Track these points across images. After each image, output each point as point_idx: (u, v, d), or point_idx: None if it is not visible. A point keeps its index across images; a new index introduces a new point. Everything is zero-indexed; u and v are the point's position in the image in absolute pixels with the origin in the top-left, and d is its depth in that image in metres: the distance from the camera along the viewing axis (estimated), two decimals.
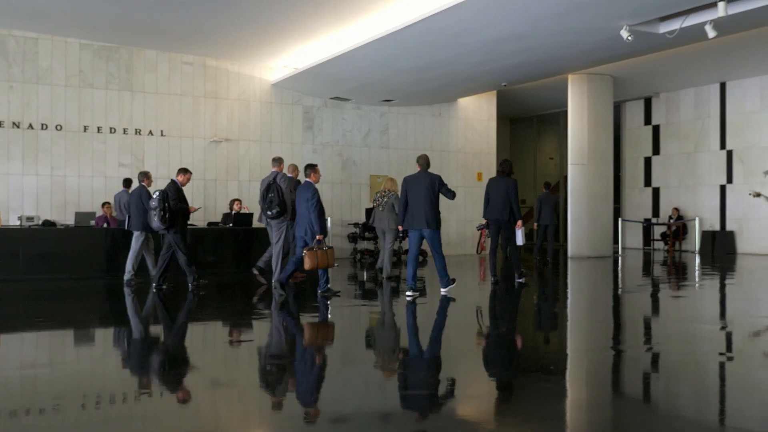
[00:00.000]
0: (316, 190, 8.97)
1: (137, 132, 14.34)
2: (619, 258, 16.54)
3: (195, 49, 14.42)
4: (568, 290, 10.78)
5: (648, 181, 19.89)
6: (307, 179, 9.12)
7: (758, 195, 15.42)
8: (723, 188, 17.99)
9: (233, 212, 13.30)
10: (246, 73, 15.49)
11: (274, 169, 10.50)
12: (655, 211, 19.66)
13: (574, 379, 5.12)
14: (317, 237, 8.81)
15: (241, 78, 15.46)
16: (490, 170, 18.52)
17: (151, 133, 14.46)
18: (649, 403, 4.51)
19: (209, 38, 13.51)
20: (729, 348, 6.18)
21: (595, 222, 16.60)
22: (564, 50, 12.87)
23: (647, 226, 19.72)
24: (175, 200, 9.59)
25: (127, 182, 13.27)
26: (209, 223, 14.04)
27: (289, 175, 10.61)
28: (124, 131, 14.22)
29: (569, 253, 16.63)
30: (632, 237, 20.01)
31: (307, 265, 8.70)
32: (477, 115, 18.53)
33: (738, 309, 8.81)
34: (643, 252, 18.85)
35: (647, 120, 19.89)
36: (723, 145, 17.99)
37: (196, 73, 14.93)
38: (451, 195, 9.19)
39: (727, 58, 15.37)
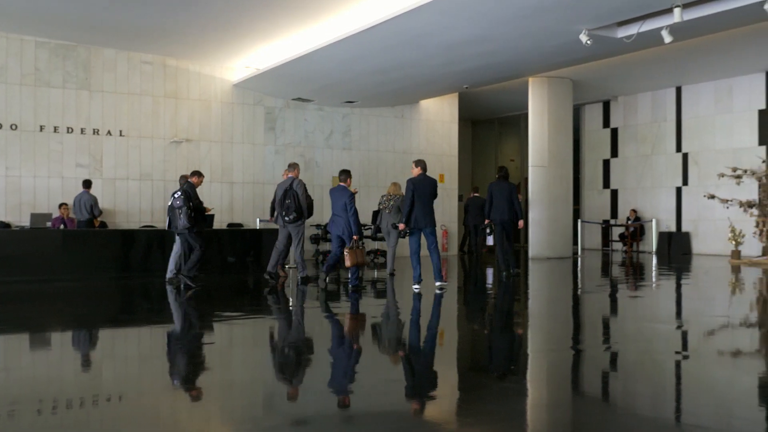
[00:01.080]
0: (353, 195, 9.76)
1: (95, 132, 14.11)
2: (579, 259, 16.77)
3: (155, 49, 14.24)
4: (529, 291, 10.89)
5: (606, 183, 20.21)
6: (342, 183, 9.95)
7: (712, 197, 15.76)
8: (679, 190, 18.36)
9: None
10: (207, 73, 15.35)
11: (290, 175, 10.86)
12: (614, 213, 19.98)
13: (535, 378, 5.17)
14: (354, 237, 9.58)
15: (202, 78, 15.31)
16: (452, 172, 18.65)
17: (109, 133, 14.24)
18: (608, 401, 4.58)
19: (169, 37, 13.35)
20: (685, 347, 6.31)
21: (555, 223, 16.80)
22: (525, 54, 13.01)
23: (606, 228, 20.03)
24: (197, 200, 10.09)
25: (87, 183, 13.08)
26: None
27: (290, 175, 10.91)
28: (82, 131, 13.98)
29: (530, 254, 16.80)
30: (591, 238, 20.30)
31: (348, 262, 9.54)
32: (439, 117, 18.63)
33: (693, 309, 9.00)
34: (602, 253, 19.14)
35: (606, 123, 20.21)
36: (679, 148, 18.36)
37: (155, 72, 14.74)
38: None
39: (683, 62, 15.70)
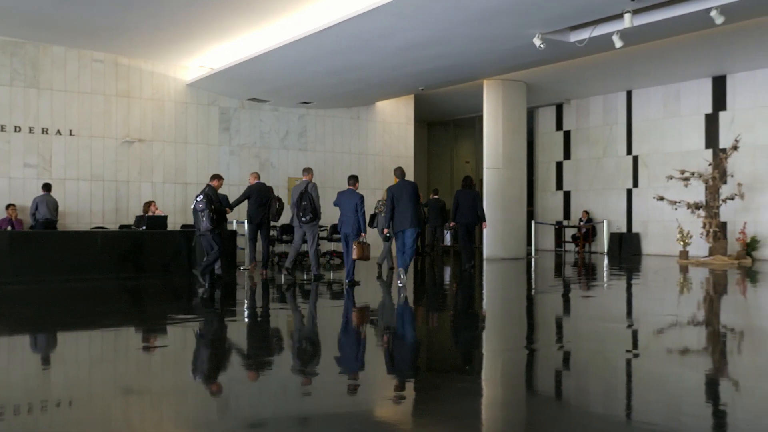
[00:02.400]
0: (362, 198, 10.73)
1: (44, 131, 13.78)
2: (533, 259, 16.98)
3: (106, 46, 13.97)
4: (484, 291, 10.99)
5: (559, 185, 20.51)
6: (351, 187, 10.87)
7: (661, 198, 16.12)
8: (629, 192, 18.73)
9: (146, 215, 12.95)
10: (160, 72, 15.12)
11: (304, 179, 11.58)
12: (566, 214, 20.29)
13: (489, 378, 5.22)
14: (362, 235, 10.62)
15: (155, 77, 15.08)
16: (408, 173, 18.66)
17: (59, 132, 13.92)
18: (561, 399, 4.65)
19: (121, 35, 13.11)
20: (635, 345, 6.44)
21: (509, 224, 16.98)
22: (479, 56, 13.13)
23: (559, 229, 20.32)
24: (218, 202, 10.68)
25: (48, 186, 12.82)
26: (121, 226, 13.65)
27: (304, 178, 11.64)
28: (30, 130, 13.64)
29: (484, 254, 16.95)
30: (545, 239, 20.58)
31: (355, 255, 10.57)
32: (395, 119, 18.69)
33: (643, 308, 9.20)
34: (555, 253, 19.41)
35: (559, 125, 20.51)
36: (629, 151, 18.73)
37: (107, 71, 14.47)
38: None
39: (633, 67, 16.03)
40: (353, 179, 11.03)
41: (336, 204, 11.03)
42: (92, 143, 14.28)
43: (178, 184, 15.32)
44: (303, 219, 11.25)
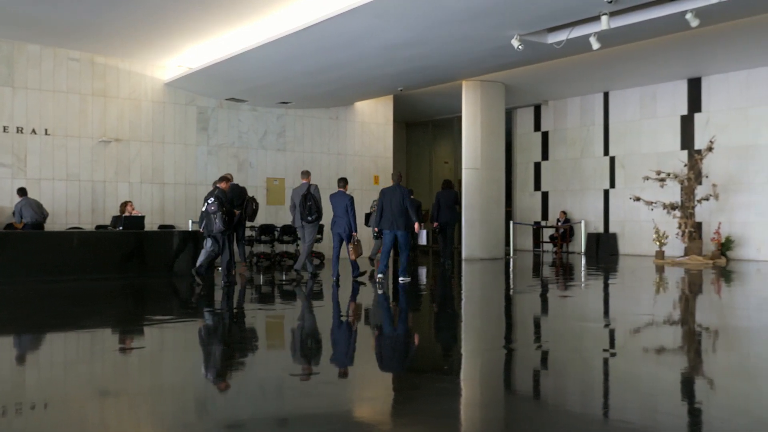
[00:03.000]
0: (352, 199, 11.48)
1: (19, 130, 13.60)
2: (511, 259, 17.07)
3: (82, 45, 13.83)
4: (463, 291, 11.03)
5: (537, 186, 20.64)
6: (341, 189, 11.59)
7: (638, 199, 16.27)
8: (606, 192, 18.89)
9: (123, 215, 12.83)
10: (137, 72, 15.00)
11: (304, 181, 12.04)
12: (544, 215, 20.41)
13: (468, 378, 5.24)
14: (354, 234, 11.37)
15: (132, 76, 14.95)
16: (387, 174, 18.70)
17: (34, 131, 13.75)
18: (539, 398, 4.68)
19: (98, 34, 12.98)
20: (612, 345, 6.50)
21: (488, 225, 17.05)
22: (458, 57, 13.18)
23: (537, 229, 20.45)
24: (228, 204, 11.05)
25: (23, 191, 12.65)
26: (97, 226, 13.51)
27: (303, 181, 12.04)
28: (5, 129, 13.45)
29: (463, 255, 17.01)
30: (523, 239, 20.69)
31: (353, 255, 11.49)
32: (374, 119, 18.69)
33: (620, 307, 9.29)
34: (533, 253, 19.53)
35: (537, 126, 20.64)
36: (606, 152, 18.89)
37: (83, 69, 14.32)
38: (413, 210, 11.26)
39: (610, 69, 16.17)
40: (343, 181, 11.76)
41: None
42: (68, 143, 14.12)
43: (155, 184, 15.20)
44: (309, 218, 11.82)
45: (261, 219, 16.25)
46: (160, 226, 14.40)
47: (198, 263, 11.28)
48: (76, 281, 11.17)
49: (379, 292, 10.46)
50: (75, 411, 4.25)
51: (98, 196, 14.43)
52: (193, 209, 15.44)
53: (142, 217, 12.70)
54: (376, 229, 11.60)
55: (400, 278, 11.15)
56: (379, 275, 11.32)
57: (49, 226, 13.57)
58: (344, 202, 11.44)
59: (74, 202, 14.13)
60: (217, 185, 11.18)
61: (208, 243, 11.17)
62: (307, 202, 11.83)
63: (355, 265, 11.76)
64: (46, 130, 13.87)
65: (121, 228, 12.35)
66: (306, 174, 12.23)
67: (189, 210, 15.44)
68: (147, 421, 4.13)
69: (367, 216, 15.03)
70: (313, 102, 16.94)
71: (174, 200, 15.41)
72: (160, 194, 15.24)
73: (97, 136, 14.45)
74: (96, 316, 8.14)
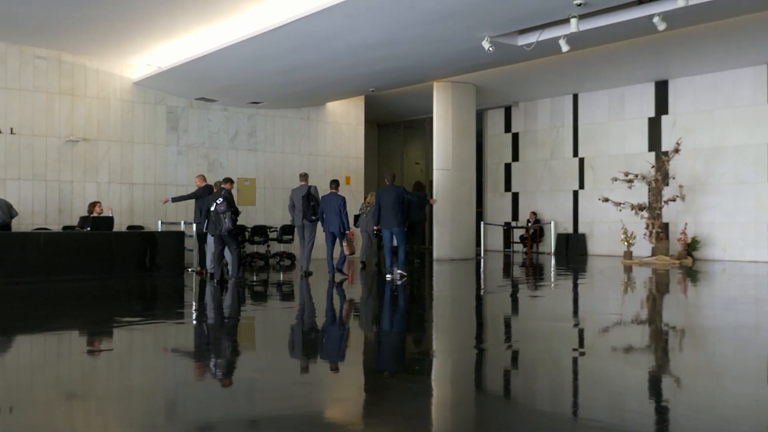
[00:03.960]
0: (344, 200, 12.25)
1: None
2: (482, 260, 17.16)
3: (49, 43, 13.61)
4: (434, 292, 11.07)
5: (508, 186, 20.77)
6: (333, 191, 12.30)
7: (606, 200, 16.46)
8: (576, 194, 19.08)
9: (91, 215, 12.65)
10: (106, 70, 14.80)
11: (302, 183, 12.76)
12: (515, 215, 20.56)
13: (439, 378, 5.26)
14: (347, 232, 12.18)
15: (101, 75, 14.75)
16: (358, 174, 18.72)
17: None
18: (509, 398, 4.71)
19: (65, 31, 12.79)
20: (581, 344, 6.57)
21: (459, 225, 17.13)
22: (429, 58, 13.22)
23: (507, 230, 20.58)
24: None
25: None
26: (65, 227, 13.32)
27: (302, 183, 12.77)
28: None
29: (434, 255, 17.07)
30: (494, 239, 20.82)
31: (347, 251, 12.48)
32: (345, 120, 18.67)
33: (589, 307, 9.39)
34: (504, 254, 19.66)
35: (507, 128, 20.77)
36: (576, 153, 19.09)
37: (50, 68, 14.10)
38: (414, 197, 12.82)
39: (580, 71, 16.34)
40: (335, 183, 12.45)
41: (320, 210, 12.32)
42: (34, 142, 13.89)
43: (123, 184, 15.02)
44: (312, 218, 12.45)
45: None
46: (129, 227, 14.24)
47: (209, 268, 11.74)
48: (42, 283, 11.01)
49: (397, 280, 11.43)
50: (41, 415, 4.19)
51: (65, 196, 14.22)
52: (163, 210, 15.29)
53: (111, 218, 12.54)
54: (375, 227, 12.21)
55: (399, 271, 11.72)
56: (388, 276, 11.63)
57: (15, 226, 13.33)
58: (337, 202, 12.08)
59: (41, 203, 13.91)
60: (222, 186, 11.52)
61: (212, 244, 11.54)
62: (310, 202, 12.43)
63: (343, 258, 12.56)
64: (11, 129, 13.62)
65: (89, 229, 12.19)
66: (305, 176, 12.90)
67: (158, 210, 15.28)
68: (116, 424, 4.08)
69: (356, 217, 15.23)
70: (285, 102, 16.87)
71: (143, 201, 15.24)
72: (129, 194, 15.06)
73: (65, 135, 14.24)
74: (63, 319, 8.03)
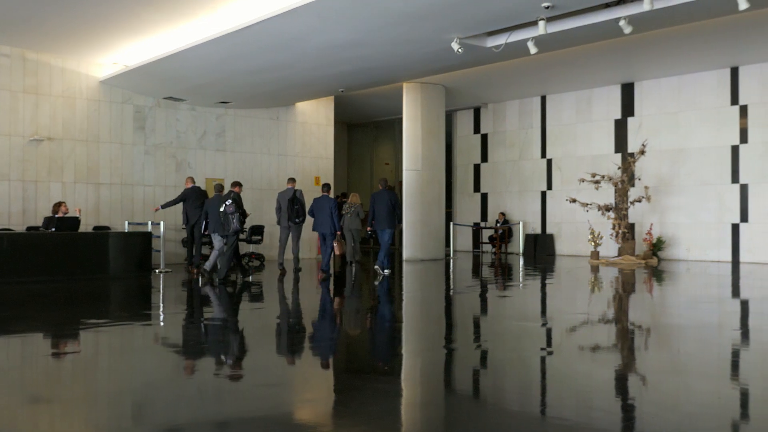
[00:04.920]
0: (335, 202, 12.75)
1: None
2: (451, 260, 17.24)
3: (12, 40, 13.36)
4: (403, 292, 11.09)
5: (477, 187, 20.90)
6: (325, 194, 12.83)
7: (574, 201, 16.64)
8: (544, 194, 19.26)
9: (56, 215, 12.46)
10: (71, 69, 14.58)
11: (289, 186, 13.39)
12: (484, 216, 20.69)
13: (408, 378, 5.28)
14: (338, 233, 12.67)
15: (66, 73, 14.53)
16: (328, 175, 18.69)
17: None
18: (478, 398, 4.75)
19: (29, 29, 12.56)
20: (549, 343, 6.63)
21: (428, 226, 17.19)
22: (399, 59, 13.25)
23: (476, 230, 20.71)
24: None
25: None
26: (29, 228, 13.08)
27: (289, 186, 13.37)
28: None
29: (404, 255, 17.10)
30: (463, 240, 20.93)
31: (338, 251, 13.12)
32: (315, 120, 18.63)
33: (557, 307, 9.48)
34: (473, 254, 19.77)
35: (476, 129, 20.90)
36: (544, 154, 19.27)
37: (14, 65, 13.85)
38: (398, 215, 13.33)
39: (548, 73, 16.50)
40: (326, 187, 13.02)
41: (310, 211, 12.89)
42: None
43: (90, 184, 14.80)
44: (297, 220, 13.11)
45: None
46: (95, 228, 14.04)
47: (209, 267, 11.95)
48: (6, 285, 10.81)
49: (385, 273, 12.72)
50: (4, 418, 4.12)
51: (30, 196, 13.98)
52: (130, 210, 15.12)
53: (77, 219, 12.36)
54: (369, 229, 13.38)
55: (385, 270, 12.85)
56: (385, 271, 12.87)
57: None
58: (328, 205, 12.61)
59: (4, 203, 13.66)
60: (231, 189, 12.00)
61: (217, 243, 11.99)
62: (295, 205, 13.09)
63: (328, 261, 12.86)
64: None
65: (54, 229, 12.00)
66: (292, 180, 13.59)
67: (125, 211, 15.11)
68: (81, 427, 4.03)
69: (340, 218, 15.37)
70: (254, 102, 16.78)
71: (109, 201, 15.04)
72: (95, 194, 14.85)
73: (29, 134, 13.99)
74: (26, 321, 7.90)
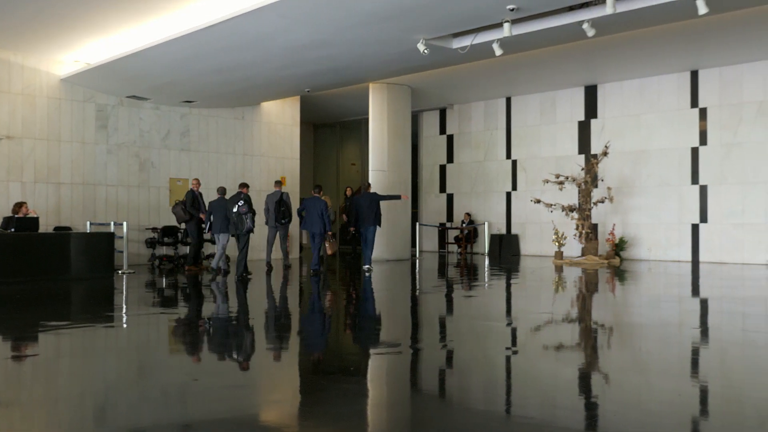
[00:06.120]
0: (326, 203, 13.31)
1: None
2: (417, 260, 17.29)
3: None
4: (368, 293, 11.09)
5: (443, 188, 20.99)
6: (315, 195, 13.35)
7: (538, 201, 16.81)
8: (509, 195, 19.41)
9: (15, 216, 12.20)
10: (31, 66, 14.30)
11: (276, 189, 14.21)
12: (449, 216, 20.79)
13: (374, 378, 5.29)
14: (329, 233, 13.15)
15: (26, 71, 14.24)
16: (294, 175, 18.61)
17: None
18: (444, 397, 4.77)
19: None
20: (514, 343, 6.69)
21: (394, 226, 17.22)
22: (365, 60, 13.25)
23: (442, 230, 20.80)
24: (253, 207, 12.40)
25: None
26: None
27: (276, 189, 14.21)
28: None
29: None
30: (428, 240, 21.00)
31: (330, 251, 13.46)
32: (280, 120, 18.54)
33: (521, 306, 9.57)
34: (439, 254, 19.85)
35: (442, 129, 20.99)
36: (509, 155, 19.43)
37: None
38: (389, 198, 14.11)
39: (513, 75, 16.64)
40: (318, 188, 13.61)
41: (300, 210, 13.44)
42: None
43: (50, 183, 14.53)
44: (283, 221, 13.99)
45: (164, 221, 15.86)
46: (56, 228, 13.80)
47: (215, 265, 12.68)
48: None
49: (368, 270, 13.39)
50: None
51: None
52: (91, 210, 14.89)
53: (36, 219, 12.13)
54: (352, 229, 14.08)
55: (365, 266, 13.57)
56: (366, 266, 13.59)
57: None
58: (319, 206, 13.12)
59: None
60: (240, 190, 12.49)
61: (221, 242, 12.67)
62: (281, 207, 13.91)
63: (317, 259, 13.30)
64: None
65: (13, 230, 11.76)
66: (278, 183, 14.36)
67: (87, 211, 14.86)
68: (43, 430, 3.96)
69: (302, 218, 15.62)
70: (219, 101, 16.64)
71: (71, 201, 14.78)
72: (55, 194, 14.58)
73: None
74: None
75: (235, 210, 12.15)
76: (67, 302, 9.93)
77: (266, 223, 14.42)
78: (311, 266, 13.22)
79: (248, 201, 12.24)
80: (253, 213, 12.34)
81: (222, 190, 13.15)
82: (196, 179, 14.45)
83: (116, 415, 4.27)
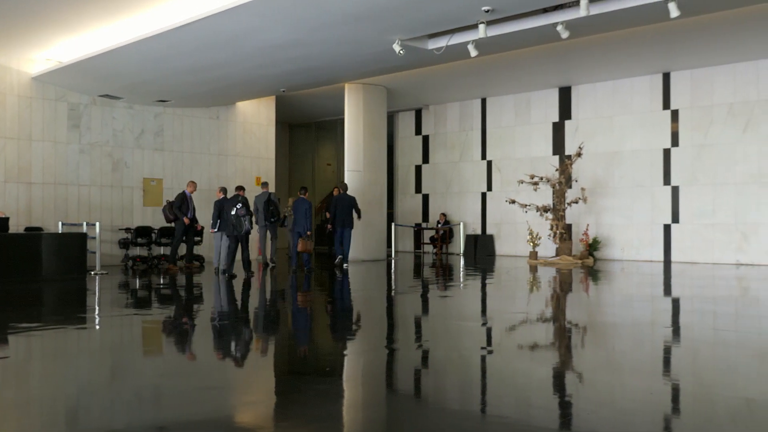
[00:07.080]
0: (311, 204, 14.03)
1: None
2: (393, 261, 17.31)
3: None
4: (345, 293, 11.09)
5: (418, 188, 21.04)
6: (302, 196, 14.00)
7: (513, 202, 16.91)
8: (484, 195, 19.51)
9: None
10: (2, 64, 14.08)
11: (264, 190, 14.90)
12: (425, 216, 20.83)
13: (350, 379, 5.28)
14: (308, 233, 13.64)
15: None
16: (269, 175, 18.53)
17: None
18: (420, 397, 4.78)
19: None
20: (489, 342, 6.73)
21: (370, 227, 17.21)
22: (340, 60, 13.23)
23: (417, 231, 20.84)
24: (250, 209, 12.83)
25: None
26: None
27: (264, 190, 14.94)
28: None
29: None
30: (404, 241, 21.03)
31: (300, 247, 13.57)
32: (256, 120, 18.45)
33: (496, 306, 9.62)
34: (414, 255, 19.88)
35: (418, 130, 21.03)
36: (484, 156, 19.52)
37: None
38: (358, 214, 14.82)
39: (488, 76, 16.72)
40: (304, 189, 14.25)
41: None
42: None
43: (21, 183, 14.32)
44: (272, 220, 14.69)
45: (137, 221, 15.71)
46: (27, 228, 13.62)
47: (224, 266, 12.65)
48: None
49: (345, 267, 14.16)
50: None
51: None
52: (63, 210, 14.70)
53: (7, 219, 11.96)
54: (329, 226, 14.80)
55: (342, 263, 14.35)
56: (345, 264, 14.41)
57: None
58: (304, 206, 13.76)
59: None
60: (237, 193, 12.80)
61: (225, 243, 12.82)
62: (270, 206, 14.59)
63: (298, 256, 14.15)
64: None
65: None
66: (266, 184, 15.05)
67: (59, 211, 14.67)
68: None
69: (283, 219, 15.88)
70: (193, 101, 16.52)
71: (42, 201, 14.59)
72: (26, 194, 14.38)
73: None
74: None
75: (233, 212, 12.45)
76: (38, 304, 9.80)
77: (256, 222, 14.90)
78: (304, 264, 13.77)
79: (245, 203, 12.56)
80: (251, 215, 12.81)
81: (224, 191, 13.58)
82: (193, 182, 14.71)
83: (89, 418, 4.22)
